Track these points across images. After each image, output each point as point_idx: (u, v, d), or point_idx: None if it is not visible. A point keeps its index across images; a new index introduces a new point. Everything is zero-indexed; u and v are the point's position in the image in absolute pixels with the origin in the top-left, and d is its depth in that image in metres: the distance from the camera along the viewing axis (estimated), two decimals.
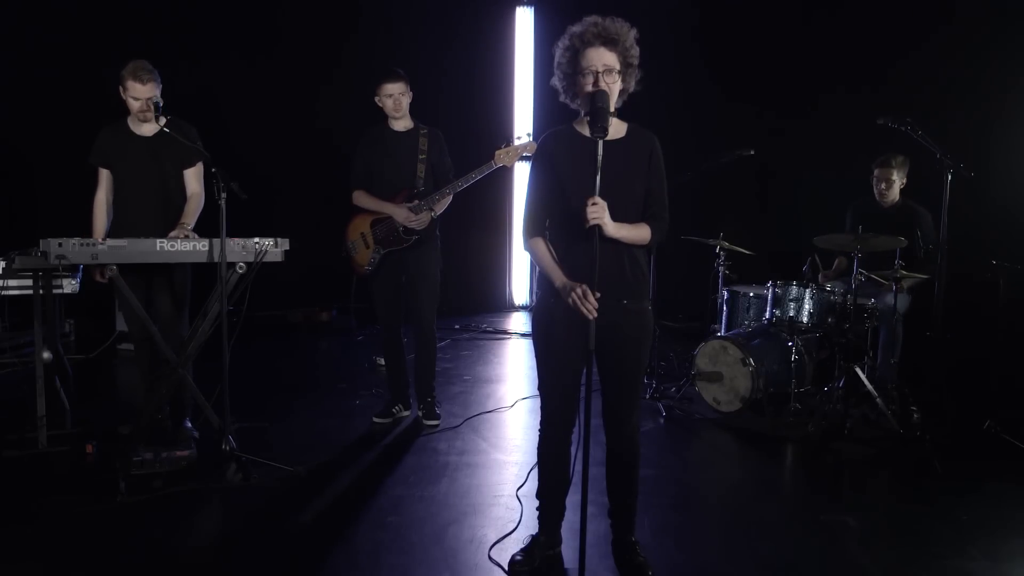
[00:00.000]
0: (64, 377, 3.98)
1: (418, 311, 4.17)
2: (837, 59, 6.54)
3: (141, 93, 3.65)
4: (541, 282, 2.61)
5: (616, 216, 2.38)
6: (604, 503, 2.76)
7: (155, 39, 6.13)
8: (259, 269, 3.46)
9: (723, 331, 5.15)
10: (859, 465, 3.85)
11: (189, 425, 3.93)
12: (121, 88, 3.70)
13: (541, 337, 2.61)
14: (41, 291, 3.73)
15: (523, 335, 7.00)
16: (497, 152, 3.94)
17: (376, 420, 4.27)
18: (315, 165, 7.32)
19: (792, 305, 4.64)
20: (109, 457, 3.47)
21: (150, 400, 3.57)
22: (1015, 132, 5.91)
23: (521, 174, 7.94)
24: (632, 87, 2.52)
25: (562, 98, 2.56)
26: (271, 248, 3.50)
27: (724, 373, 4.52)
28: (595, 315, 2.32)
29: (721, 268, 5.11)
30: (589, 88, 2.41)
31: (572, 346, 2.49)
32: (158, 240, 3.37)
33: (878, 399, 4.22)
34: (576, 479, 2.45)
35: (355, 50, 7.40)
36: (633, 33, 2.47)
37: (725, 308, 5.20)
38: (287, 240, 3.55)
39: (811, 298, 4.60)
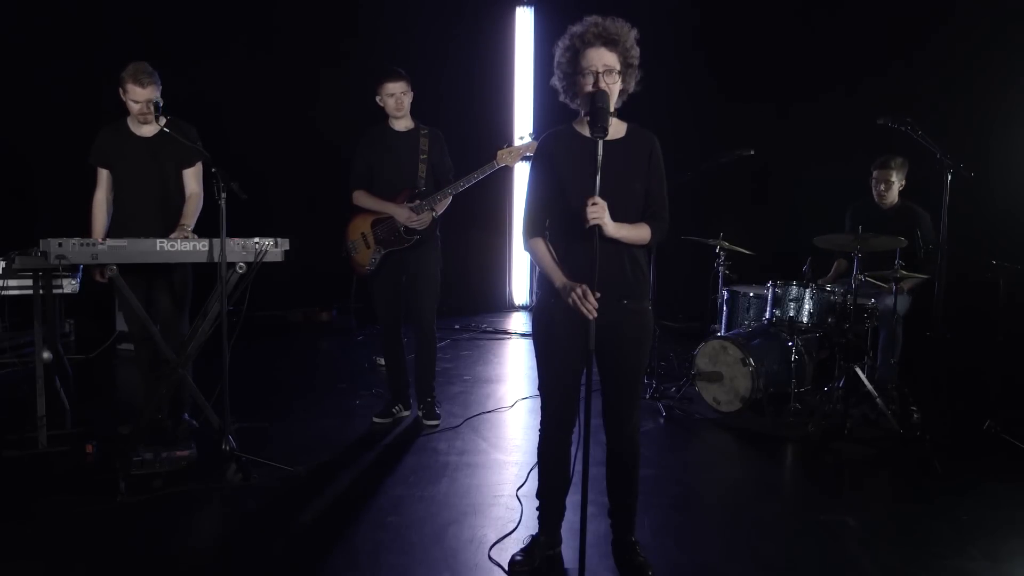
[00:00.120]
0: (64, 377, 3.98)
1: (418, 311, 4.17)
2: (837, 59, 6.54)
3: (141, 96, 3.65)
4: (541, 282, 2.61)
5: (616, 216, 2.38)
6: (604, 503, 2.76)
7: (155, 39, 6.14)
8: (259, 269, 3.46)
9: (723, 331, 5.15)
10: (859, 465, 3.85)
11: (187, 416, 3.94)
12: (121, 90, 3.70)
13: (541, 337, 2.61)
14: (41, 291, 3.73)
15: (523, 335, 7.00)
16: (499, 152, 3.94)
17: (376, 420, 4.27)
18: (315, 165, 7.32)
19: (792, 305, 4.64)
20: (109, 457, 3.47)
21: (150, 400, 3.57)
22: (1015, 132, 5.91)
23: (521, 174, 7.94)
24: (632, 87, 2.52)
25: (562, 98, 2.56)
26: (271, 248, 3.50)
27: (724, 373, 4.52)
28: (595, 315, 2.32)
29: (721, 268, 5.11)
30: (589, 88, 2.41)
31: (572, 346, 2.49)
32: (158, 240, 3.37)
33: (878, 399, 4.22)
34: (576, 479, 2.45)
35: (355, 50, 7.40)
36: (633, 33, 2.47)
37: (725, 308, 5.20)
38: (287, 240, 3.55)
39: (811, 298, 4.60)
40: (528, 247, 2.58)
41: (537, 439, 2.71)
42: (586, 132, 2.45)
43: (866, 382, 4.25)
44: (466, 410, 4.57)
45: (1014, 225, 5.66)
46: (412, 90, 4.09)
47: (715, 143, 5.46)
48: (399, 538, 2.91)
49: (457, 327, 7.26)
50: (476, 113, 7.87)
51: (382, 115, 4.15)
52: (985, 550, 2.89)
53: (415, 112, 4.18)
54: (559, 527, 2.79)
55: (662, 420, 4.45)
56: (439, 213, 4.11)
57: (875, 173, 4.84)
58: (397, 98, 4.03)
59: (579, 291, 2.33)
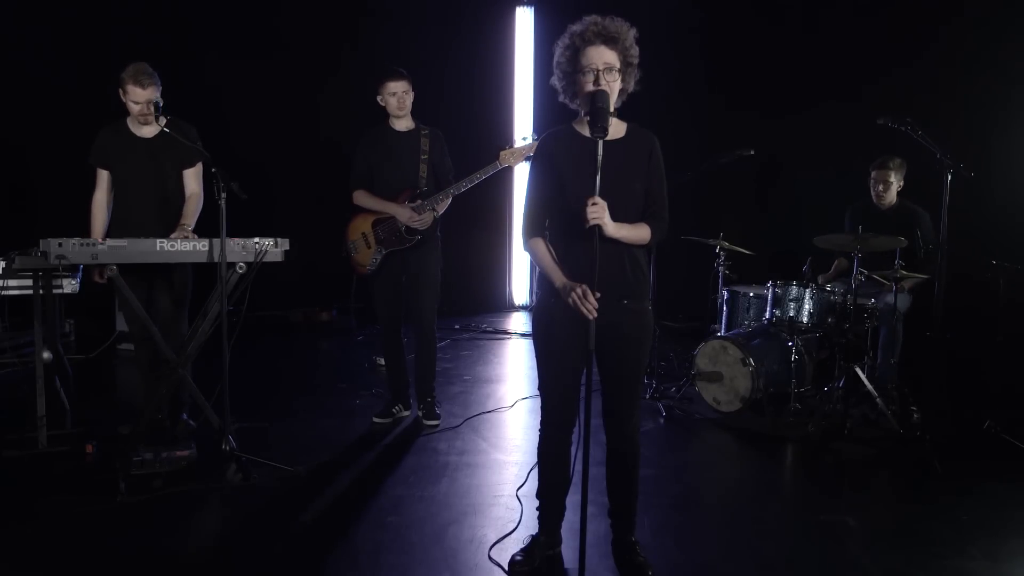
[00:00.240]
0: (64, 377, 3.98)
1: (419, 311, 4.17)
2: (837, 59, 6.53)
3: (141, 97, 3.65)
4: (541, 282, 2.61)
5: (616, 216, 2.38)
6: (604, 503, 2.76)
7: (155, 38, 6.13)
8: (259, 269, 3.46)
9: (723, 331, 5.15)
10: (859, 465, 3.85)
11: (185, 417, 3.94)
12: (121, 91, 3.69)
13: (541, 337, 2.61)
14: (41, 291, 3.73)
15: (523, 335, 7.00)
16: (502, 152, 3.95)
17: (376, 420, 4.27)
18: (315, 165, 7.32)
19: (792, 305, 4.64)
20: (109, 457, 3.47)
21: (150, 400, 3.57)
22: (1015, 132, 5.91)
23: (521, 174, 7.94)
24: (631, 87, 2.52)
25: (561, 98, 2.56)
26: (271, 248, 3.50)
27: (724, 373, 4.52)
28: (595, 315, 2.32)
29: (721, 268, 5.11)
30: (589, 87, 2.41)
31: (572, 346, 2.49)
32: (158, 240, 3.37)
33: (878, 399, 4.22)
34: (576, 479, 2.45)
35: (355, 50, 7.41)
36: (633, 32, 2.47)
37: (725, 308, 5.20)
38: (287, 240, 3.55)
39: (811, 298, 4.60)
40: (528, 247, 2.58)
41: (537, 439, 2.71)
42: (586, 132, 2.45)
43: (866, 382, 4.25)
44: (466, 410, 4.57)
45: (1014, 225, 5.66)
46: (413, 90, 4.09)
47: (715, 143, 5.46)
48: (399, 538, 2.91)
49: (457, 327, 7.26)
50: (476, 113, 7.87)
51: (382, 115, 4.15)
52: (985, 550, 2.89)
53: (415, 112, 4.18)
54: (559, 527, 2.79)
55: (662, 420, 4.45)
56: (440, 213, 4.11)
57: (873, 174, 4.85)
58: (399, 97, 4.04)
59: (579, 291, 2.33)
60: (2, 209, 6.14)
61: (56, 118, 6.16)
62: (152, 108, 3.65)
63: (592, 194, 2.31)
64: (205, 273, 3.66)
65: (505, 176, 8.00)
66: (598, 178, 2.31)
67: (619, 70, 2.44)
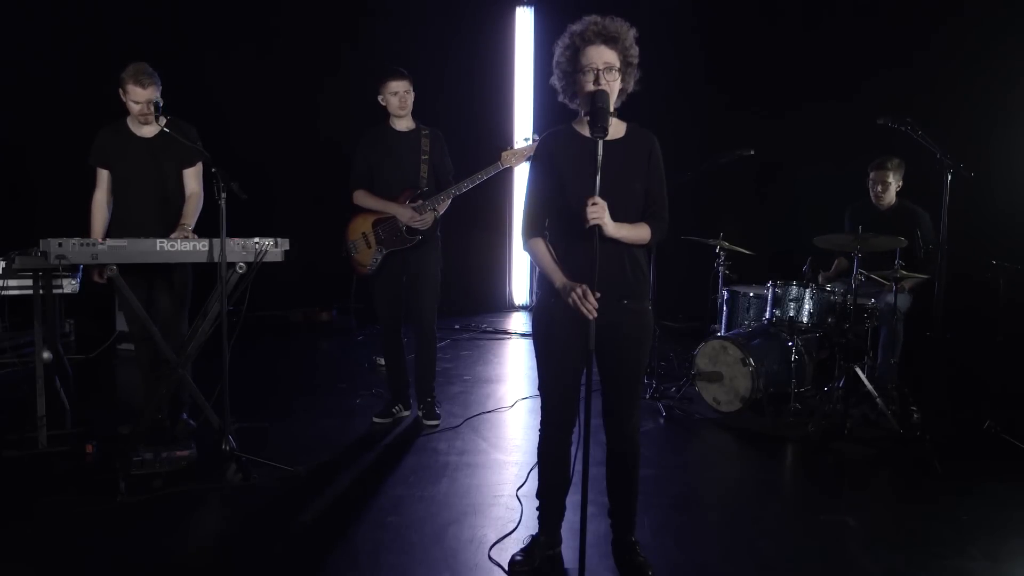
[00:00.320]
0: (64, 377, 3.98)
1: (419, 311, 4.17)
2: (837, 58, 6.53)
3: (141, 97, 3.65)
4: (541, 282, 2.61)
5: (616, 216, 2.38)
6: (604, 503, 2.76)
7: (155, 38, 6.14)
8: (259, 269, 3.46)
9: (723, 331, 5.15)
10: (859, 465, 3.85)
11: (185, 417, 3.94)
12: (121, 91, 3.69)
13: (541, 337, 2.61)
14: (41, 291, 3.73)
15: (523, 335, 7.00)
16: (504, 153, 3.95)
17: (376, 420, 4.27)
18: (315, 165, 7.32)
19: (792, 305, 4.64)
20: (109, 457, 3.47)
21: (150, 400, 3.57)
22: (1015, 132, 5.91)
23: (521, 174, 7.93)
24: (631, 87, 2.52)
25: (561, 98, 2.56)
26: (271, 248, 3.50)
27: (724, 373, 4.51)
28: (595, 315, 2.32)
29: (721, 268, 5.11)
30: (590, 87, 2.41)
31: (572, 346, 2.49)
32: (158, 240, 3.37)
33: (878, 399, 4.22)
34: (576, 479, 2.45)
35: (355, 50, 7.40)
36: (633, 32, 2.47)
37: (725, 308, 5.20)
38: (287, 240, 3.55)
39: (811, 298, 4.60)
40: (528, 247, 2.58)
41: (537, 439, 2.71)
42: (586, 132, 2.45)
43: (866, 382, 4.25)
44: (466, 410, 4.57)
45: (1014, 225, 5.66)
46: (414, 90, 4.09)
47: (715, 143, 5.46)
48: (399, 538, 2.91)
49: (457, 327, 7.26)
50: (476, 113, 7.87)
51: (382, 115, 4.15)
52: (985, 550, 2.89)
53: (415, 112, 4.18)
54: (559, 527, 2.79)
55: (662, 420, 4.45)
56: (440, 213, 4.11)
57: (872, 174, 4.85)
58: (400, 97, 4.04)
59: (579, 291, 2.33)
60: (2, 209, 6.14)
61: (56, 118, 6.16)
62: (152, 108, 3.65)
63: (592, 194, 2.31)
64: (205, 273, 3.66)
65: (505, 176, 7.99)
66: (598, 178, 2.31)
67: (619, 70, 2.44)
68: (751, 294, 5.07)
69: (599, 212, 2.30)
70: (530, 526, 2.89)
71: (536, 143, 2.65)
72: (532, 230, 2.56)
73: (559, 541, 2.80)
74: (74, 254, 3.20)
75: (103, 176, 3.84)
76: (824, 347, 4.73)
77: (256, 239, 3.47)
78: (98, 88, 4.50)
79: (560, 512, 2.77)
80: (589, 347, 2.33)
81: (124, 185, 3.83)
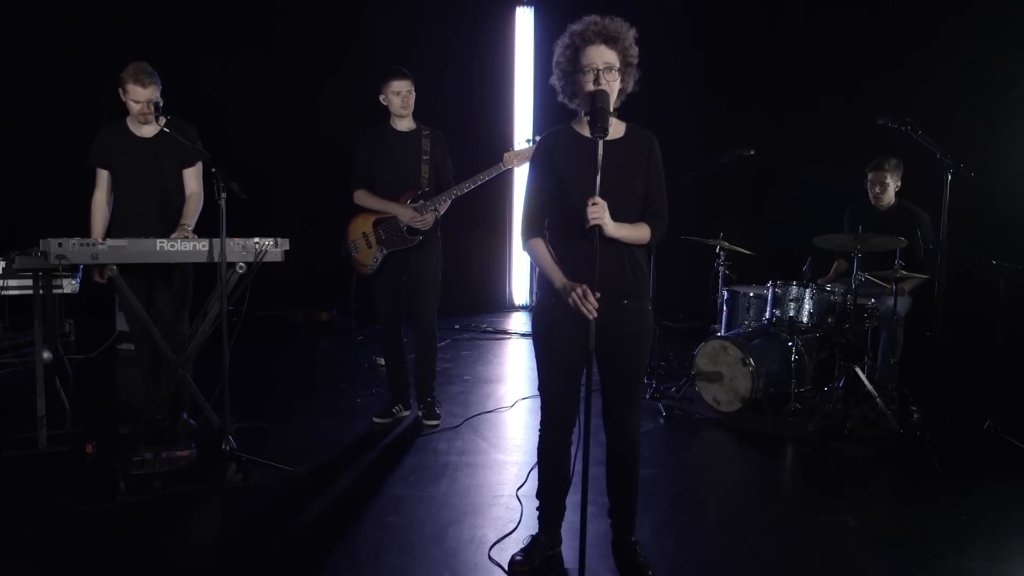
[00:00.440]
0: (64, 377, 3.98)
1: (419, 311, 4.17)
2: (838, 58, 6.53)
3: (141, 96, 3.65)
4: (541, 282, 2.61)
5: (616, 216, 2.38)
6: (604, 503, 2.76)
7: (155, 38, 6.14)
8: (259, 269, 3.46)
9: (723, 331, 5.15)
10: (859, 465, 3.85)
11: (185, 416, 3.94)
12: (121, 90, 3.69)
13: (541, 337, 2.61)
14: (41, 291, 3.73)
15: (523, 335, 7.00)
16: (505, 155, 3.96)
17: (376, 420, 4.27)
18: (315, 165, 7.33)
19: (792, 305, 4.64)
20: (109, 457, 3.47)
21: (150, 400, 3.57)
22: (1015, 132, 5.91)
23: (521, 174, 7.94)
24: (631, 87, 2.52)
25: (560, 97, 2.56)
26: (271, 248, 3.50)
27: (724, 373, 4.51)
28: (595, 315, 2.32)
29: (721, 268, 5.11)
30: (590, 87, 2.41)
31: (572, 346, 2.49)
32: (158, 240, 3.37)
33: (878, 399, 4.22)
34: (576, 479, 2.45)
35: (355, 50, 7.40)
36: (632, 32, 2.47)
37: (725, 308, 5.20)
38: (287, 240, 3.55)
39: (811, 298, 4.60)
40: (527, 247, 2.57)
41: (537, 439, 2.71)
42: (585, 132, 2.45)
43: (866, 382, 4.25)
44: (466, 410, 4.57)
45: (1014, 225, 5.66)
46: (415, 90, 4.10)
47: (714, 143, 5.46)
48: (399, 538, 2.91)
49: (457, 327, 7.26)
50: (476, 113, 7.87)
51: (383, 115, 4.15)
52: (985, 550, 2.89)
53: (415, 112, 4.17)
54: (559, 527, 2.79)
55: (662, 420, 4.45)
56: (441, 213, 4.11)
57: (870, 175, 4.85)
58: (403, 96, 4.04)
59: (579, 291, 2.33)
60: (2, 209, 6.14)
61: (56, 118, 6.16)
62: (152, 107, 3.65)
63: (592, 194, 2.31)
64: (205, 273, 3.66)
65: (505, 177, 7.96)
66: (598, 178, 2.31)
67: (619, 70, 2.44)
68: (751, 294, 5.07)
69: (599, 212, 2.30)
70: (530, 526, 2.89)
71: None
72: (532, 230, 2.56)
73: (559, 541, 2.80)
74: (74, 254, 3.20)
75: (103, 176, 3.84)
76: (824, 347, 4.73)
77: (256, 239, 3.47)
78: (98, 88, 4.50)
79: (560, 512, 2.77)
80: (589, 347, 2.33)
81: (124, 185, 3.83)
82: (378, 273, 4.15)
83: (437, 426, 4.22)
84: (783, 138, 6.67)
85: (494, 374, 5.62)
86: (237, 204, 3.37)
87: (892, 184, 4.79)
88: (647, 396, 4.74)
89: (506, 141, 7.99)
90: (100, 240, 3.35)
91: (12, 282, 3.88)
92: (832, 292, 4.58)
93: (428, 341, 4.24)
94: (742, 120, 6.87)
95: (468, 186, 4.03)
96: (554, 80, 2.54)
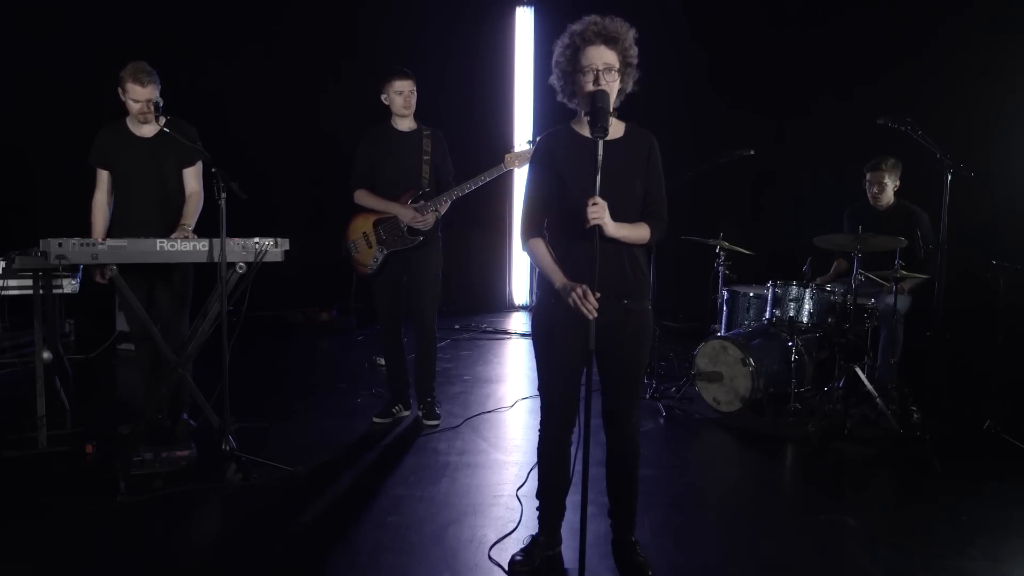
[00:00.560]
0: (64, 377, 3.98)
1: (419, 311, 4.17)
2: (837, 59, 6.54)
3: (141, 95, 3.65)
4: (541, 282, 2.61)
5: (616, 216, 2.38)
6: (604, 503, 2.76)
7: (155, 38, 6.13)
8: (259, 269, 3.46)
9: (723, 331, 5.15)
10: (859, 465, 3.85)
11: (185, 416, 3.94)
12: (120, 90, 3.69)
13: (541, 337, 2.61)
14: (41, 291, 3.73)
15: (523, 335, 7.00)
16: (507, 156, 3.96)
17: (376, 420, 4.27)
18: (316, 165, 7.32)
19: (792, 305, 4.64)
20: (109, 457, 3.47)
21: (150, 400, 3.57)
22: (1015, 132, 5.91)
23: (521, 175, 7.93)
24: (630, 87, 2.52)
25: (559, 97, 2.56)
26: (271, 248, 3.50)
27: (724, 373, 4.51)
28: (595, 315, 2.32)
29: (721, 268, 5.11)
30: (589, 87, 2.41)
31: (572, 346, 2.49)
32: (158, 240, 3.37)
33: (878, 399, 4.22)
34: (576, 479, 2.45)
35: (355, 50, 7.41)
36: (632, 33, 2.47)
37: (725, 308, 5.20)
38: (287, 240, 3.55)
39: (811, 298, 4.60)
40: (527, 248, 2.57)
41: (537, 439, 2.71)
42: (585, 132, 2.45)
43: (866, 382, 4.25)
44: (466, 410, 4.57)
45: (1014, 225, 5.66)
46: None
47: (715, 143, 5.46)
48: (399, 538, 2.91)
49: (457, 327, 7.26)
50: (475, 113, 7.87)
51: (383, 116, 4.15)
52: (985, 550, 2.89)
53: (415, 112, 4.17)
54: (559, 527, 2.78)
55: (662, 420, 4.45)
56: (442, 214, 4.11)
57: (868, 176, 4.85)
58: (406, 96, 4.04)
59: (579, 291, 2.33)
60: (2, 209, 6.14)
61: (56, 118, 6.16)
62: (152, 107, 3.65)
63: (592, 194, 2.31)
64: (205, 273, 3.66)
65: (505, 176, 7.96)
66: (598, 178, 2.31)
67: (618, 70, 2.45)
68: (751, 294, 5.06)
69: (600, 212, 2.30)
70: (530, 526, 2.89)
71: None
72: (531, 230, 2.56)
73: (559, 541, 2.80)
74: (74, 254, 3.20)
75: (103, 176, 3.84)
76: (824, 347, 4.73)
77: (256, 239, 3.47)
78: (98, 88, 4.50)
79: (560, 512, 2.77)
80: (589, 347, 2.33)
81: (124, 185, 3.83)
82: (378, 273, 4.15)
83: (437, 426, 4.22)
84: (783, 138, 6.68)
85: (494, 374, 5.62)
86: (237, 204, 3.37)
87: (890, 184, 4.79)
88: (647, 396, 4.74)
89: (506, 141, 7.99)
90: (100, 240, 3.34)
91: (12, 282, 3.89)
92: (832, 292, 4.58)
93: (428, 341, 4.24)
94: (742, 120, 6.86)
95: (469, 187, 4.03)
96: (553, 80, 2.54)
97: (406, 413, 4.39)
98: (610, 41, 2.42)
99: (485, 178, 4.01)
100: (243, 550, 2.85)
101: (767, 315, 4.75)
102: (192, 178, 3.90)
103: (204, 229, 3.73)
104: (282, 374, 5.61)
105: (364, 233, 4.14)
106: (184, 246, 3.41)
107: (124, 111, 3.77)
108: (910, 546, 2.94)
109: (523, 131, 8.19)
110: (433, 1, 7.75)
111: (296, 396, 4.87)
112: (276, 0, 7.38)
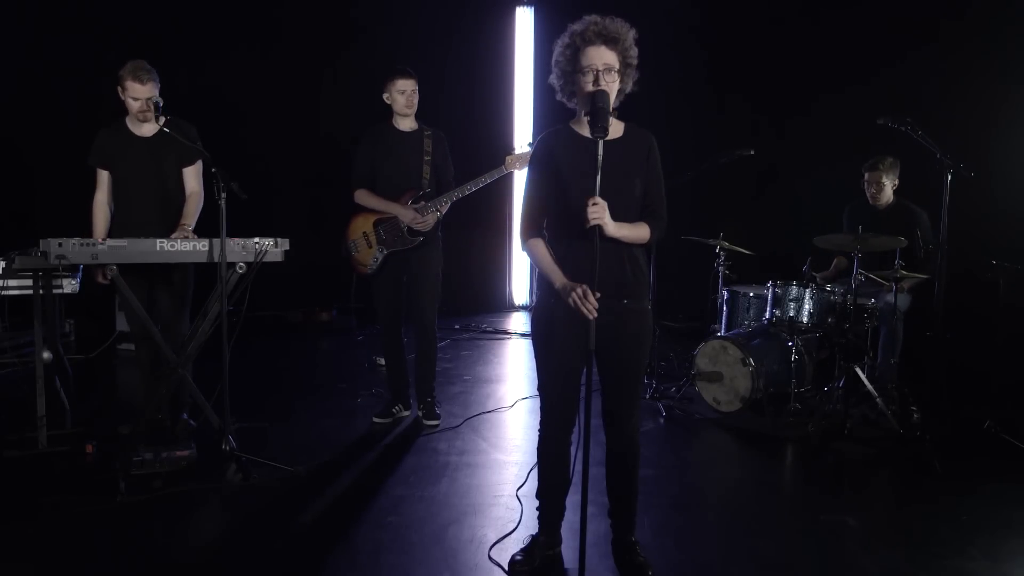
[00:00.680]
0: (64, 377, 3.98)
1: (419, 311, 4.17)
2: (837, 58, 6.53)
3: (140, 93, 3.65)
4: (541, 282, 2.61)
5: (615, 215, 2.38)
6: (604, 503, 2.76)
7: (155, 38, 6.14)
8: (259, 269, 3.46)
9: (723, 331, 5.15)
10: (859, 465, 3.85)
11: (185, 416, 3.94)
12: (120, 88, 3.69)
13: (541, 337, 2.61)
14: (41, 291, 3.73)
15: (523, 335, 7.00)
16: (508, 157, 3.97)
17: (376, 420, 4.27)
18: (315, 165, 7.32)
19: (792, 305, 4.64)
20: (109, 457, 3.47)
21: (150, 400, 3.57)
22: (1015, 132, 5.91)
23: (521, 175, 7.93)
24: (629, 87, 2.52)
25: (559, 97, 2.56)
26: (271, 248, 3.50)
27: (724, 373, 4.51)
28: (595, 315, 2.32)
29: (721, 268, 5.11)
30: (589, 87, 2.41)
31: (572, 346, 2.49)
32: (158, 240, 3.37)
33: (878, 399, 4.22)
34: (576, 479, 2.45)
35: (355, 50, 7.41)
36: (632, 33, 2.47)
37: (725, 308, 5.20)
38: (287, 240, 3.55)
39: (811, 298, 4.60)
40: (527, 247, 2.57)
41: (537, 439, 2.71)
42: (584, 132, 2.45)
43: (866, 382, 4.24)
44: (466, 410, 4.57)
45: (1014, 225, 5.66)
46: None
47: (714, 143, 5.46)
48: (399, 538, 2.91)
49: (457, 327, 7.26)
50: (475, 113, 7.87)
51: (383, 116, 4.15)
52: (985, 550, 2.89)
53: (416, 111, 4.17)
54: (559, 527, 2.79)
55: (662, 420, 4.45)
56: (442, 214, 4.11)
57: (866, 175, 4.85)
58: (408, 96, 4.04)
59: (579, 291, 2.33)
60: (2, 209, 6.14)
61: (56, 118, 6.15)
62: (151, 106, 3.65)
63: (592, 194, 2.31)
64: (205, 273, 3.66)
65: (505, 177, 7.97)
66: (598, 178, 2.31)
67: (618, 71, 2.45)
68: (751, 294, 5.06)
69: (600, 212, 2.30)
70: (530, 526, 2.89)
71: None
72: (531, 230, 2.56)
73: (559, 541, 2.80)
74: (74, 254, 3.20)
75: (103, 177, 3.83)
76: (824, 347, 4.73)
77: (256, 239, 3.47)
78: (98, 88, 4.50)
79: (560, 512, 2.77)
80: (589, 347, 2.33)
81: (124, 185, 3.83)
82: (378, 273, 4.15)
83: (437, 426, 4.22)
84: (783, 138, 6.67)
85: (494, 374, 5.62)
86: (237, 204, 3.37)
87: (888, 183, 4.79)
88: (647, 396, 4.74)
89: (506, 141, 7.99)
90: (100, 240, 3.34)
91: (12, 282, 3.88)
92: (832, 292, 4.58)
93: (428, 341, 4.24)
94: (742, 120, 6.86)
95: (469, 188, 4.03)
96: (553, 79, 2.54)
97: (406, 413, 4.39)
98: (610, 41, 2.42)
99: (486, 179, 4.01)
100: (243, 550, 2.85)
101: (767, 315, 4.75)
102: (192, 178, 3.90)
103: (204, 229, 3.73)
104: (282, 374, 5.61)
105: (364, 233, 4.14)
106: (184, 246, 3.41)
107: (124, 111, 3.77)
108: (910, 546, 2.94)
109: (523, 131, 8.20)
110: (433, 1, 7.75)
111: (296, 396, 4.87)
112: (276, 0, 7.38)
